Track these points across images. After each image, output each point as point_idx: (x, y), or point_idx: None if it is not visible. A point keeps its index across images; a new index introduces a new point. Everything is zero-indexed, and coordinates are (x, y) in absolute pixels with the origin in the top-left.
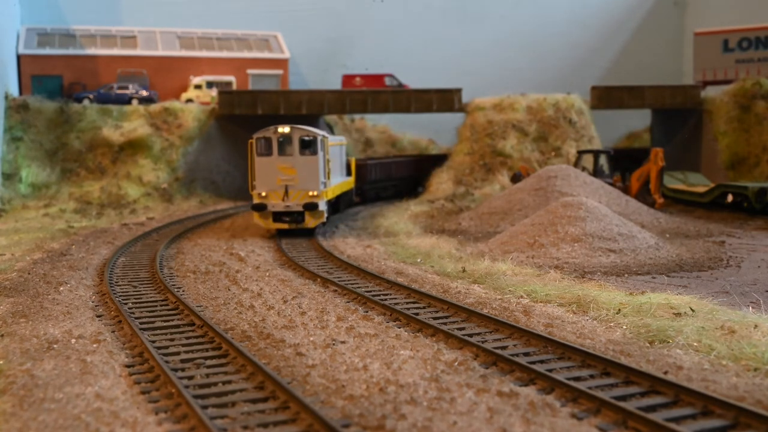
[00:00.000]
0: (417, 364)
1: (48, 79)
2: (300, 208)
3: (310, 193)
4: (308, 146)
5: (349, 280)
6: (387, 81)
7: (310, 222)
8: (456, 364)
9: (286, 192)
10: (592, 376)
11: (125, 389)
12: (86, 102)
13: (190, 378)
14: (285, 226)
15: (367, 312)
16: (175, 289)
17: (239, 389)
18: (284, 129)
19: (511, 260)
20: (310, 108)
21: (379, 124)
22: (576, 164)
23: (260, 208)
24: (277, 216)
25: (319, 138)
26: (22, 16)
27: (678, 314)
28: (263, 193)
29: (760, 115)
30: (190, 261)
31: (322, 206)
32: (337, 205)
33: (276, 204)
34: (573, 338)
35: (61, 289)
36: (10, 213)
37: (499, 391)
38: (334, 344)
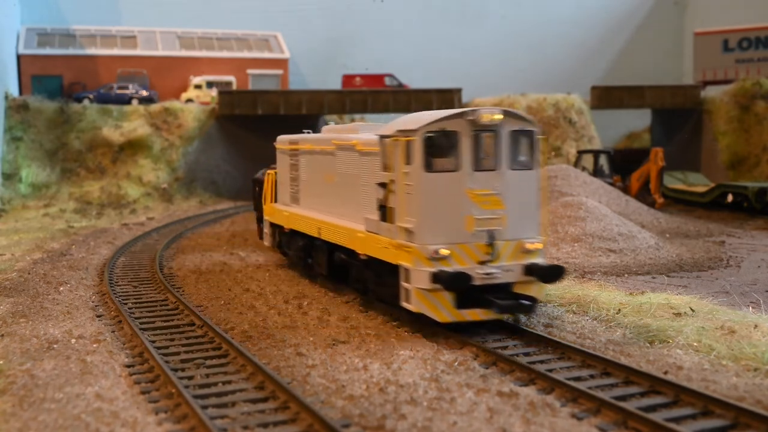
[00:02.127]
0: (417, 364)
1: (48, 79)
2: (517, 278)
3: (529, 245)
4: (524, 151)
5: None
6: (387, 81)
7: (538, 297)
8: (456, 364)
9: (492, 245)
10: (592, 376)
11: (125, 389)
12: (86, 102)
13: (190, 378)
14: (492, 315)
15: (367, 312)
16: (175, 289)
17: (239, 389)
18: (493, 114)
19: None
20: (310, 108)
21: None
22: (576, 164)
23: (458, 281)
24: (472, 295)
25: (536, 134)
26: (22, 16)
27: (678, 314)
28: (443, 251)
29: (760, 115)
30: (190, 261)
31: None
32: None
33: (468, 270)
34: (573, 338)
35: (61, 289)
36: (10, 213)
37: (499, 391)
38: (334, 344)
